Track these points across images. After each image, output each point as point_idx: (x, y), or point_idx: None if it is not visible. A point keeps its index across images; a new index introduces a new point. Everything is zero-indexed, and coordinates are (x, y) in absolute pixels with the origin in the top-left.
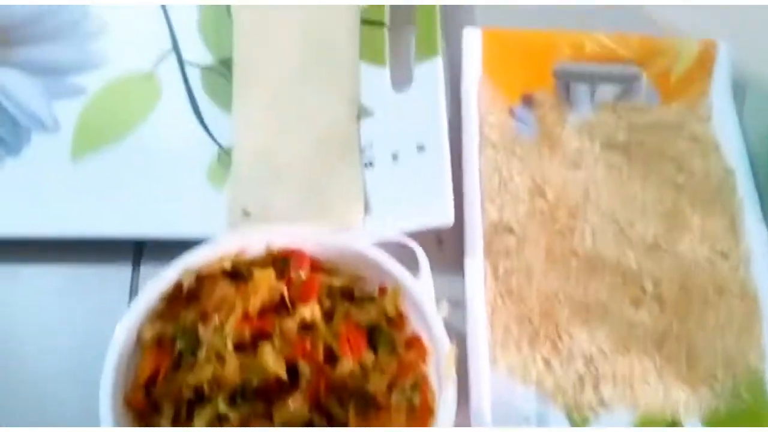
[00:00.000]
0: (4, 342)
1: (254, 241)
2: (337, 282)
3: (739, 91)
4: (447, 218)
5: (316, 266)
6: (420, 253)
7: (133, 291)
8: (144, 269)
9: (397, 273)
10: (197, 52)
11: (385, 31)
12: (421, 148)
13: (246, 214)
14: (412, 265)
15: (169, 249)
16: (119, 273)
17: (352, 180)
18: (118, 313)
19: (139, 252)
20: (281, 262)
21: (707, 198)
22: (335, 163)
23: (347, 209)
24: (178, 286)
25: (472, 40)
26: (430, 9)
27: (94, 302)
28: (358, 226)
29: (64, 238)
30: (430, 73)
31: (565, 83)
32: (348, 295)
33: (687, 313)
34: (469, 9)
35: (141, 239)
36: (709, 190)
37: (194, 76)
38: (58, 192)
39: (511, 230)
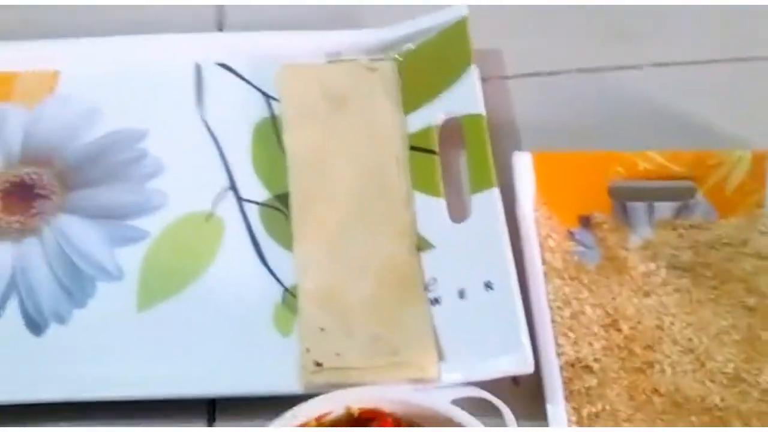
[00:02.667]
0: None
1: (334, 404)
2: None
3: None
4: (526, 366)
5: (398, 427)
6: (508, 416)
7: None
8: (219, 425)
9: None
10: (253, 189)
11: (437, 159)
12: (488, 285)
13: (318, 365)
14: (490, 411)
15: (244, 402)
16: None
17: (421, 323)
18: None
19: (213, 407)
20: (363, 424)
21: None
22: (401, 302)
23: (421, 356)
24: None
25: (522, 165)
26: (479, 136)
27: None
28: (435, 375)
29: (135, 399)
30: (488, 204)
31: (622, 203)
32: None
33: None
34: (514, 132)
35: (211, 397)
36: None
37: (253, 214)
38: (125, 348)
39: (590, 369)
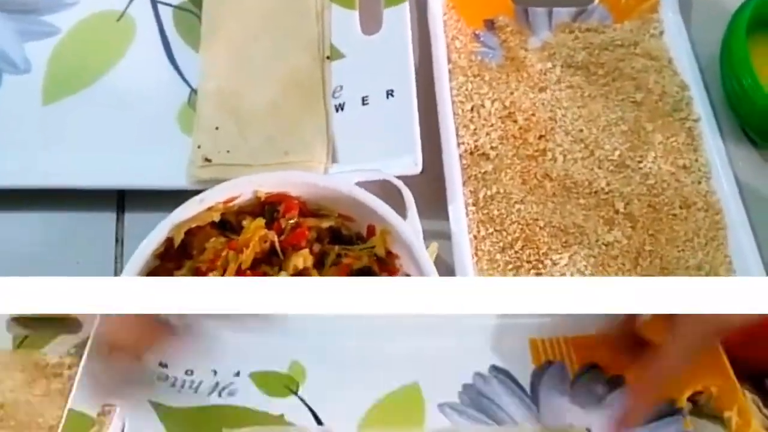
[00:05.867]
0: None
1: (241, 188)
2: (325, 224)
3: (686, 5)
4: (415, 167)
5: (304, 210)
6: (407, 194)
7: (118, 239)
8: (129, 215)
9: (385, 214)
10: None
11: None
12: (390, 93)
13: (207, 160)
14: (397, 201)
15: (152, 194)
16: (104, 220)
17: (317, 128)
18: (104, 262)
19: (122, 198)
20: (270, 208)
21: (665, 114)
22: (301, 108)
23: (309, 157)
24: (168, 242)
25: None
26: None
27: (79, 251)
28: (320, 172)
29: (39, 188)
30: (398, 19)
31: (524, 7)
32: (337, 236)
33: (657, 229)
34: None
35: (117, 189)
36: (666, 107)
37: (166, 16)
38: (30, 138)
39: (487, 156)
